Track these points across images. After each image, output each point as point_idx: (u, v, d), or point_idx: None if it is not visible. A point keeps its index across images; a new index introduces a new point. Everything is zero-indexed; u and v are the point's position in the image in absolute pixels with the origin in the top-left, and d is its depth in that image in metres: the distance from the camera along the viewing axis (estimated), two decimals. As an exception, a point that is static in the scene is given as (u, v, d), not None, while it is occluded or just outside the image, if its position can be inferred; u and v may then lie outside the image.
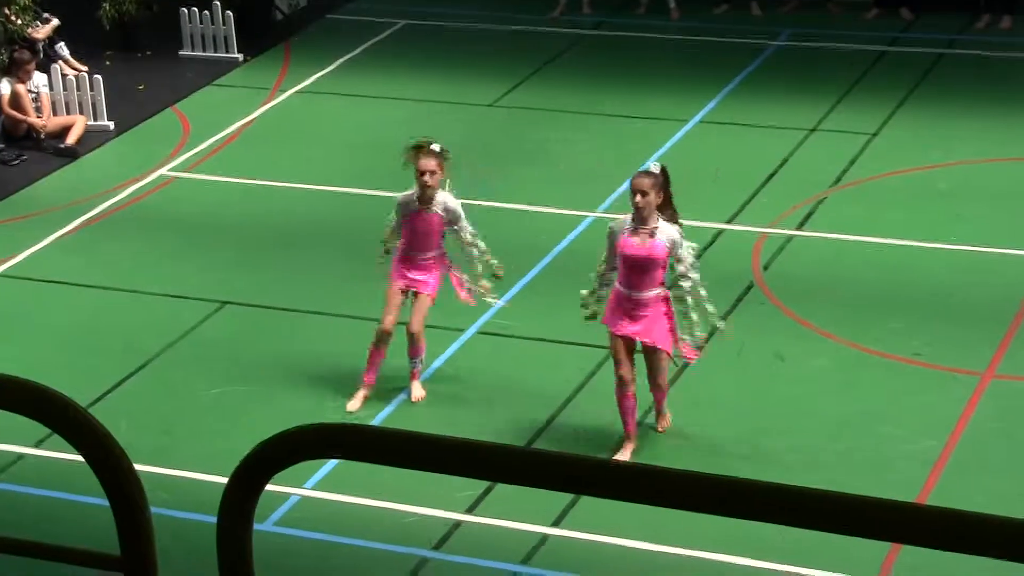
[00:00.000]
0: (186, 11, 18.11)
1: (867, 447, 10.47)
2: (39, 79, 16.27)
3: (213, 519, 2.39)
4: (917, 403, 10.93)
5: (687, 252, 9.99)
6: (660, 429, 10.61)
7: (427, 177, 10.78)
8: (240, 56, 18.00)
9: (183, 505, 9.93)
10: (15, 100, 16.03)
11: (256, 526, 2.38)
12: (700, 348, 10.48)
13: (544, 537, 9.79)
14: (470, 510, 10.04)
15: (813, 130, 15.35)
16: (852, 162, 14.62)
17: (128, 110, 16.67)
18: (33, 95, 16.15)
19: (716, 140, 15.33)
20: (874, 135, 15.16)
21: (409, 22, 18.90)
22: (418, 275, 11.00)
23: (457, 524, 9.95)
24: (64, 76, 16.56)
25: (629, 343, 10.14)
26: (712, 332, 10.77)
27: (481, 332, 12.06)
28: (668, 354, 10.17)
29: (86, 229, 14.21)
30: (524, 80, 16.93)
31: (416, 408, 11.13)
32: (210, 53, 18.11)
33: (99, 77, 16.44)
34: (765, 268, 12.83)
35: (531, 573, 9.52)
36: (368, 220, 14.10)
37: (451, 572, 9.61)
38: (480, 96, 16.55)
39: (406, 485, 10.10)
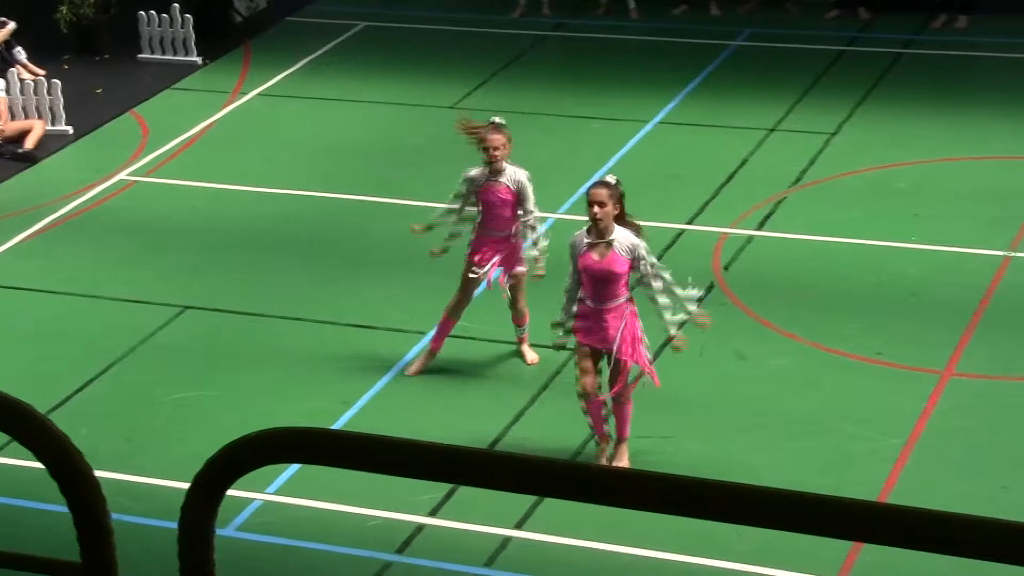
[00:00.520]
0: (144, 14, 18.04)
1: (828, 446, 10.51)
2: (-4, 83, 16.20)
3: (175, 525, 2.38)
4: (878, 402, 10.98)
5: (649, 257, 9.87)
6: (612, 450, 10.33)
7: (494, 152, 11.00)
8: (199, 59, 17.93)
9: (145, 511, 9.89)
10: (-28, 105, 15.95)
11: (218, 531, 2.37)
12: (673, 340, 10.24)
13: (507, 539, 9.79)
14: (433, 513, 10.03)
15: (773, 130, 15.41)
16: (812, 162, 14.68)
17: (86, 114, 16.59)
18: (-10, 99, 16.07)
19: (676, 140, 15.37)
20: (833, 135, 15.23)
21: (369, 24, 18.88)
22: (501, 253, 11.18)
23: (420, 527, 9.94)
24: (21, 80, 16.47)
25: (595, 354, 10.07)
26: (685, 321, 10.69)
27: (443, 334, 12.05)
28: (630, 365, 10.00)
29: (45, 234, 14.13)
30: (485, 82, 16.94)
31: (378, 411, 11.11)
32: (169, 56, 18.04)
33: (57, 81, 16.36)
34: (726, 268, 12.86)
35: None
36: (330, 223, 14.10)
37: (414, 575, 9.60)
38: (441, 98, 16.54)
39: (368, 489, 10.08)
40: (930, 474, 10.16)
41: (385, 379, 11.51)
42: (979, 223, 13.35)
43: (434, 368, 11.62)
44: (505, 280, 11.28)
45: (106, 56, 18.24)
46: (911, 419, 10.73)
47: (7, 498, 10.38)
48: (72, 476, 2.29)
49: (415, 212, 14.10)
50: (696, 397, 11.10)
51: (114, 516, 2.36)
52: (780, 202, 13.95)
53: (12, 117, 16.24)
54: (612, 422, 10.32)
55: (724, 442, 10.60)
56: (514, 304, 11.45)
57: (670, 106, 15.99)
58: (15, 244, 13.94)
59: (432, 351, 11.52)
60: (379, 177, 14.87)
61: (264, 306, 12.64)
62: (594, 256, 9.84)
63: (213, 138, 16.04)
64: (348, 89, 16.99)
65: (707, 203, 13.94)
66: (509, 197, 11.10)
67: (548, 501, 9.79)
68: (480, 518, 9.92)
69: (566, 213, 13.67)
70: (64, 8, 17.90)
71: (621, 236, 9.84)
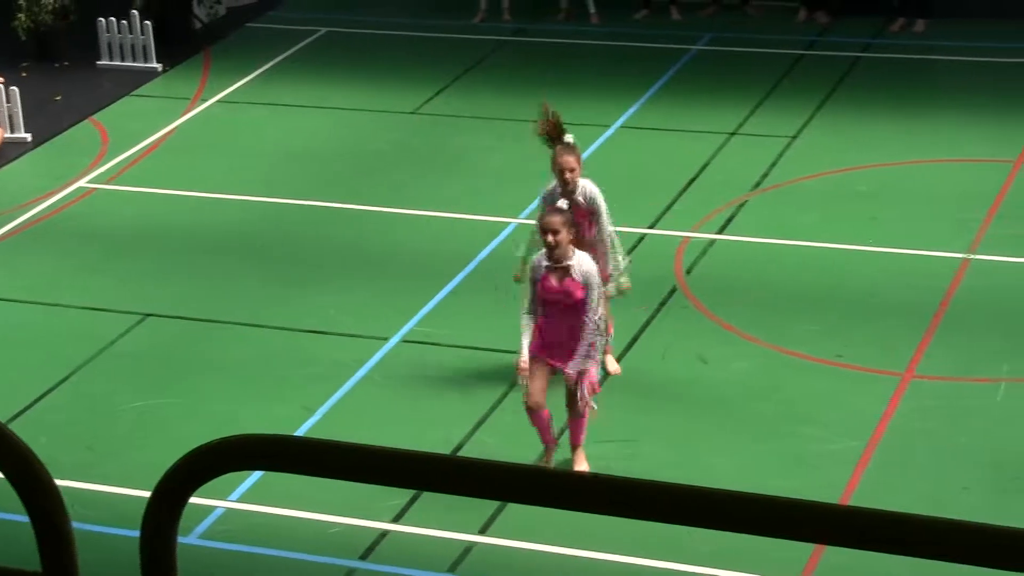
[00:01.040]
0: (103, 21, 17.97)
1: (789, 448, 10.55)
2: (-46, 91, 16.10)
3: (136, 534, 2.37)
4: (839, 404, 11.02)
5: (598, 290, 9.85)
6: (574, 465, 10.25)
7: (568, 175, 10.69)
8: (159, 66, 17.87)
9: (106, 520, 9.84)
10: (-70, 112, 15.85)
11: (180, 539, 2.36)
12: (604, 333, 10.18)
13: (470, 545, 9.79)
14: (396, 519, 10.02)
15: (734, 134, 15.46)
16: (772, 165, 14.73)
17: (45, 121, 16.51)
18: (-52, 107, 15.98)
19: (638, 145, 15.40)
20: (793, 138, 15.29)
21: (330, 30, 18.86)
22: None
23: (383, 534, 9.92)
24: (-20, 88, 16.39)
25: (550, 370, 10.02)
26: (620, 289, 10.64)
27: (405, 340, 12.05)
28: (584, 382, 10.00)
29: (4, 242, 14.05)
30: (446, 87, 16.94)
31: (340, 417, 11.09)
32: (129, 63, 17.97)
33: (15, 88, 16.27)
34: (688, 272, 12.90)
35: (459, 581, 9.51)
36: (292, 229, 14.07)
37: (378, 581, 9.59)
38: (402, 103, 16.53)
39: (331, 495, 10.07)
40: (891, 476, 10.21)
41: (347, 385, 11.49)
42: (938, 225, 13.42)
43: (396, 374, 11.61)
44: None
45: (65, 63, 18.15)
46: (872, 421, 10.78)
47: (-33, 508, 10.32)
48: (32, 485, 2.28)
49: (377, 218, 14.10)
50: (658, 401, 11.12)
51: (75, 525, 2.35)
52: (741, 206, 14.00)
53: (-30, 124, 16.15)
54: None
55: (686, 445, 10.62)
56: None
57: (631, 110, 16.02)
58: (-26, 252, 13.85)
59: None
60: (341, 183, 14.85)
61: (226, 313, 12.60)
62: (553, 280, 9.85)
63: (173, 145, 15.99)
64: (309, 95, 16.96)
65: (669, 207, 13.98)
66: (586, 214, 10.75)
67: (511, 507, 9.79)
68: (443, 524, 9.92)
69: (528, 219, 13.68)
70: (22, 15, 17.81)
71: (578, 262, 9.82)
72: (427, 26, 18.74)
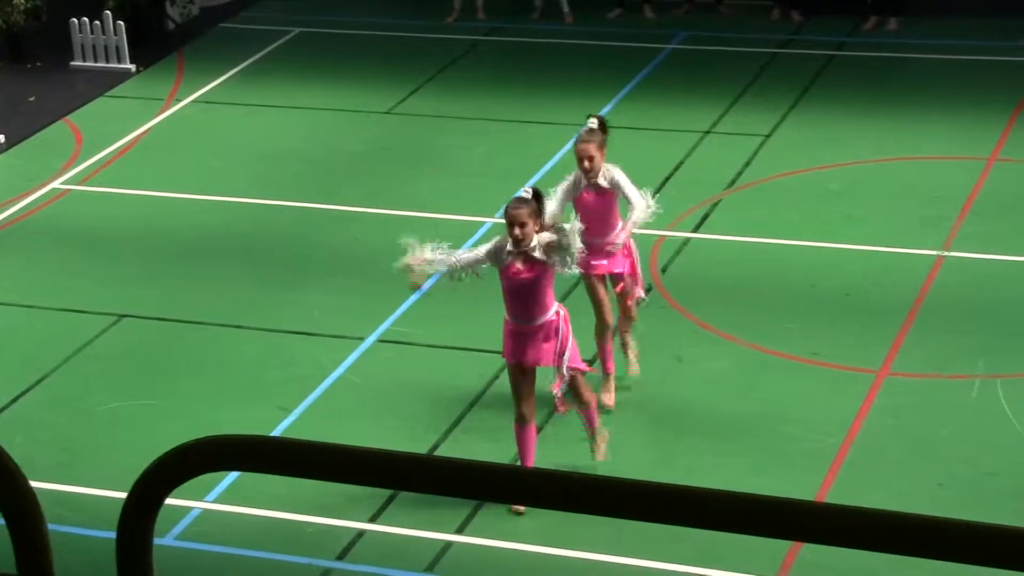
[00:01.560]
0: (76, 21, 17.91)
1: (766, 446, 10.57)
2: (-73, 92, 16.05)
3: (113, 535, 2.36)
4: (815, 402, 11.05)
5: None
6: (598, 456, 10.20)
7: (586, 163, 10.44)
8: (132, 66, 17.82)
9: (82, 521, 9.82)
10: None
11: (156, 540, 2.36)
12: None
13: (448, 544, 9.78)
14: (372, 519, 10.01)
15: (708, 132, 15.48)
16: (747, 164, 14.76)
17: (18, 122, 16.45)
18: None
19: (612, 143, 15.36)
20: (767, 137, 15.32)
21: (304, 30, 18.83)
22: (605, 259, 10.56)
23: (360, 533, 9.92)
24: (-48, 89, 16.33)
25: (531, 375, 9.91)
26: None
27: (381, 340, 12.04)
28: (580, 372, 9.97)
29: (-22, 244, 14.00)
30: (420, 87, 16.93)
31: (317, 418, 11.08)
32: (102, 64, 17.92)
33: (-12, 89, 16.22)
34: (663, 271, 12.91)
35: (436, 580, 9.51)
36: (267, 230, 14.04)
37: (355, 581, 9.58)
38: (377, 103, 16.52)
39: (308, 495, 10.05)
40: (868, 473, 10.24)
41: (324, 386, 11.47)
42: (912, 223, 13.46)
43: (373, 374, 11.60)
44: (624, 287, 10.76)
45: (38, 64, 18.09)
46: (848, 418, 10.81)
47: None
48: (7, 486, 2.27)
49: (352, 218, 14.08)
50: (635, 400, 11.13)
51: (51, 527, 2.34)
52: (716, 204, 14.02)
53: (-57, 126, 16.09)
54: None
55: (663, 444, 10.63)
56: (623, 304, 10.90)
57: (605, 109, 16.03)
58: (-53, 254, 13.80)
59: (607, 374, 10.97)
60: (316, 183, 14.83)
61: (201, 314, 12.57)
62: (518, 265, 9.75)
63: (148, 145, 15.95)
64: (283, 95, 16.93)
65: (643, 206, 13.97)
66: (613, 202, 10.55)
67: (488, 506, 9.79)
68: (420, 523, 9.91)
69: (503, 218, 13.65)
70: (-6, 16, 17.75)
71: (537, 242, 9.69)
72: (401, 26, 18.72)
